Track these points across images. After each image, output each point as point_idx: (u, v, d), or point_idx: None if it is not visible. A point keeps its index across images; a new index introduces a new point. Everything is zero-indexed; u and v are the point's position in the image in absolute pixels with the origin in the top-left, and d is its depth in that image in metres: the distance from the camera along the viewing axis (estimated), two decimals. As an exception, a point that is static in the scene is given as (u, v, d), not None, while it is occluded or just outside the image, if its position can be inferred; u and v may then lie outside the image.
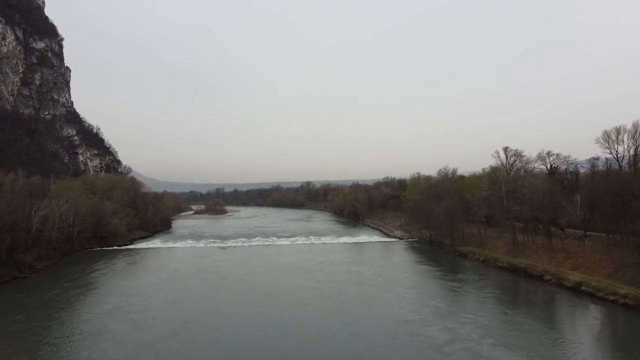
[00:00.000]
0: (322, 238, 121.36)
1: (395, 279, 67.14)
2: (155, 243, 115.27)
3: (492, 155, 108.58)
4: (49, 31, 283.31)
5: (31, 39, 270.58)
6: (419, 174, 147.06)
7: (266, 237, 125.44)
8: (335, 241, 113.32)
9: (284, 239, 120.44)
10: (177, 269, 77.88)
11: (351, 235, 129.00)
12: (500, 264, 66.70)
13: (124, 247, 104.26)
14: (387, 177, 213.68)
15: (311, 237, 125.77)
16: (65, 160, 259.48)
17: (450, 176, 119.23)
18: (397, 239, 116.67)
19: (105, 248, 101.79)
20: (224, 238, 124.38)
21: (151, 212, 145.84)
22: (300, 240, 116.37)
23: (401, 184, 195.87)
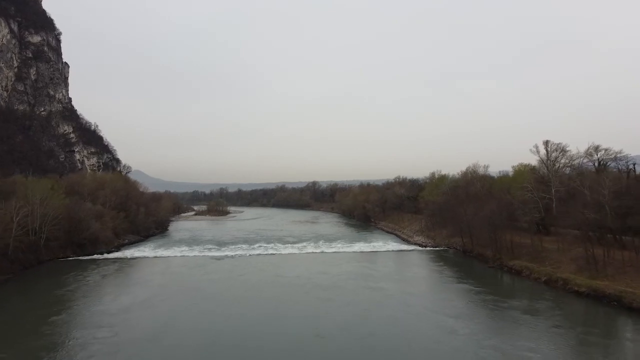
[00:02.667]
0: (332, 244, 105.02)
1: (434, 301, 50.82)
2: (143, 250, 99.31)
3: (531, 150, 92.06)
4: (46, 25, 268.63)
5: (27, 33, 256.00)
6: (439, 172, 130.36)
7: (269, 243, 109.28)
8: (349, 249, 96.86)
9: (289, 245, 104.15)
10: (160, 284, 61.85)
11: (365, 240, 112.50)
12: (576, 288, 49.81)
13: (104, 257, 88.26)
14: (399, 177, 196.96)
15: (320, 242, 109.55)
16: (61, 159, 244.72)
17: (481, 174, 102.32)
18: (418, 247, 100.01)
19: (83, 257, 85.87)
20: (221, 244, 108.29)
21: (143, 214, 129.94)
22: (309, 247, 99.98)
23: (413, 184, 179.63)
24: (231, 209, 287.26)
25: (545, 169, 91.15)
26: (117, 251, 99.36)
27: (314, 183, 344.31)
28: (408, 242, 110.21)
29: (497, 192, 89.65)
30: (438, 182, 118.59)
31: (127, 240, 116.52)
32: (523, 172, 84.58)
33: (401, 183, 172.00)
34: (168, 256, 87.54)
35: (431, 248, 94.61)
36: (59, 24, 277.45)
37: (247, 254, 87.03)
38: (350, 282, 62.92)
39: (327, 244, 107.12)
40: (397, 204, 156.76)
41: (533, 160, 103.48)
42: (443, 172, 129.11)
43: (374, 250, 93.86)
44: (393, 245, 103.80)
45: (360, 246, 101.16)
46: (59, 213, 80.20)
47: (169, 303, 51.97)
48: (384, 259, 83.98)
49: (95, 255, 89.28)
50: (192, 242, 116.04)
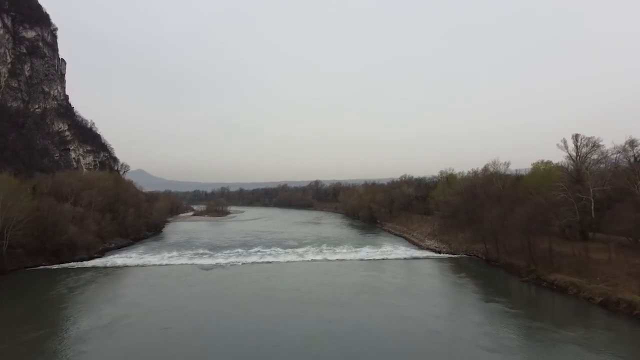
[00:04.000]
0: (336, 249, 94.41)
1: (464, 327, 40.10)
2: (129, 256, 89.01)
3: (558, 145, 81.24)
4: (41, 20, 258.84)
5: (21, 28, 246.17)
6: (451, 170, 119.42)
7: (268, 247, 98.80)
8: (355, 255, 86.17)
9: (289, 250, 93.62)
10: (132, 302, 51.36)
11: (372, 245, 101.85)
12: (648, 315, 38.93)
13: (81, 264, 77.93)
14: (405, 176, 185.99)
15: (323, 247, 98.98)
16: (55, 157, 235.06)
17: (502, 172, 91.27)
18: (432, 252, 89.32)
19: (55, 266, 75.62)
20: (215, 248, 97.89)
21: (133, 215, 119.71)
22: (310, 253, 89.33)
23: (420, 183, 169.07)
24: (232, 208, 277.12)
25: (574, 165, 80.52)
26: (100, 257, 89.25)
27: (317, 182, 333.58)
28: (419, 246, 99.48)
29: (521, 192, 78.80)
30: (451, 180, 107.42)
31: (113, 244, 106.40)
32: (554, 170, 73.62)
33: (408, 182, 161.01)
34: (152, 264, 76.98)
35: (447, 255, 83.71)
36: (61, 24, 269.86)
37: (241, 262, 76.28)
38: (359, 298, 52.46)
39: (330, 248, 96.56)
40: (405, 204, 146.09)
41: (550, 157, 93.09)
42: (455, 171, 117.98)
43: (383, 257, 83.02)
44: (403, 250, 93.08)
45: (367, 251, 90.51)
46: (25, 216, 69.87)
47: (137, 329, 41.53)
48: (396, 268, 73.31)
49: (72, 263, 79.05)
50: (184, 245, 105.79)
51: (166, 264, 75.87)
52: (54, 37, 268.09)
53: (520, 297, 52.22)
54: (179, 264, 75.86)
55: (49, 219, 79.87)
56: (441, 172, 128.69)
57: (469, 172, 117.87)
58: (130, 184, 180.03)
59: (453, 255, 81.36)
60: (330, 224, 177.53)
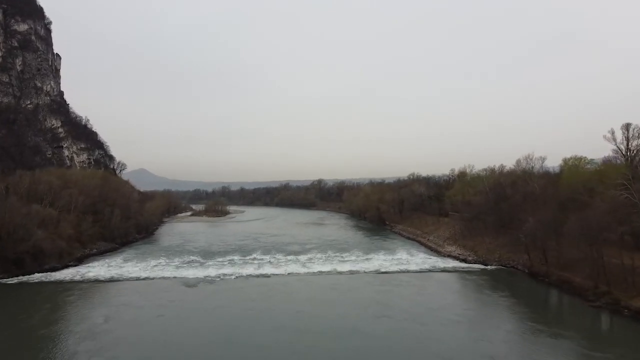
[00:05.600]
0: (345, 256, 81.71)
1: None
2: (108, 264, 76.27)
3: (605, 137, 68.36)
4: (34, 13, 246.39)
5: (13, 20, 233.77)
6: (471, 167, 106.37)
7: (266, 254, 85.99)
8: (367, 264, 73.26)
9: (292, 257, 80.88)
10: (81, 336, 38.43)
11: (385, 250, 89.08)
12: None
13: (42, 278, 65.08)
14: (413, 174, 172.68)
15: (330, 253, 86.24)
16: (48, 155, 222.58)
17: (537, 169, 78.18)
18: (455, 260, 76.52)
19: (12, 280, 62.65)
20: (208, 255, 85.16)
21: (119, 216, 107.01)
22: (316, 261, 76.38)
23: (428, 181, 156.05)
24: (232, 208, 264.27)
25: (624, 159, 67.60)
26: (75, 265, 76.69)
27: (320, 181, 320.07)
28: (439, 253, 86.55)
29: (565, 191, 65.78)
30: (472, 179, 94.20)
31: (95, 250, 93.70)
32: (614, 167, 60.60)
33: (419, 181, 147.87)
34: (128, 277, 63.70)
35: (477, 265, 70.58)
36: (61, 24, 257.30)
37: (234, 276, 62.96)
38: (380, 324, 39.89)
39: (338, 255, 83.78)
40: (416, 204, 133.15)
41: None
42: (475, 168, 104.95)
43: (401, 268, 69.78)
44: (422, 258, 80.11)
45: (381, 260, 77.62)
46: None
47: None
48: (420, 281, 60.42)
49: (36, 275, 66.08)
50: (174, 251, 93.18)
51: (144, 278, 62.67)
52: (48, 30, 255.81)
53: (598, 332, 39.36)
54: (159, 278, 62.76)
55: (11, 222, 67.18)
56: (452, 170, 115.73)
57: (485, 170, 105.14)
58: (123, 182, 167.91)
59: (485, 267, 68.05)
60: (335, 225, 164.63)
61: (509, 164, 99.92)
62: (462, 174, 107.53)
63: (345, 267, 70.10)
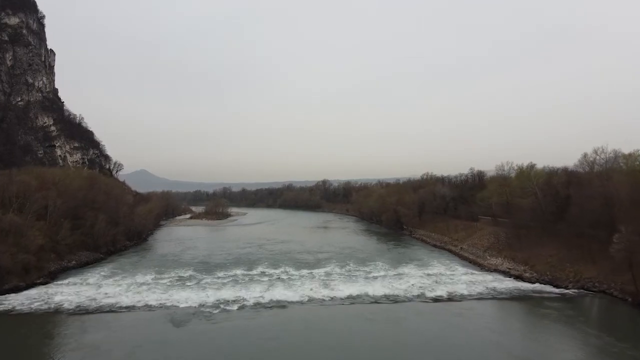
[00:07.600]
0: (372, 272, 66.71)
1: None
2: (83, 282, 61.50)
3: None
4: (26, 6, 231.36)
5: (3, 13, 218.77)
6: (510, 164, 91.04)
7: (276, 267, 71.14)
8: (401, 282, 58.26)
9: (306, 272, 66.03)
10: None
11: (416, 262, 74.25)
12: None
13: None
14: (427, 174, 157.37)
15: (350, 266, 71.32)
16: (39, 154, 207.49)
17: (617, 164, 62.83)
18: (506, 277, 61.38)
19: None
20: (206, 270, 70.02)
21: (105, 222, 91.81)
22: (337, 279, 61.05)
23: (442, 181, 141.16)
24: (233, 210, 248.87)
25: None
26: (43, 284, 61.65)
27: (324, 182, 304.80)
28: (481, 266, 71.32)
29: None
30: (521, 175, 78.50)
31: (74, 262, 78.57)
32: None
33: (442, 181, 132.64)
34: (101, 305, 48.04)
35: (546, 286, 54.71)
36: (61, 21, 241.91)
37: (236, 306, 47.16)
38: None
39: (361, 269, 68.78)
40: (440, 207, 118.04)
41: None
42: (514, 165, 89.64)
43: (449, 290, 54.10)
44: (464, 273, 64.97)
45: (416, 277, 62.38)
46: None
47: None
48: (481, 310, 45.25)
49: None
50: (167, 263, 78.25)
51: (121, 307, 47.11)
52: (41, 25, 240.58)
53: None
54: (141, 306, 47.21)
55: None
56: (471, 169, 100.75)
57: (518, 167, 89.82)
58: (115, 183, 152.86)
59: (561, 290, 52.13)
60: (346, 229, 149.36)
61: (541, 162, 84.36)
62: (499, 172, 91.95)
63: (377, 289, 54.74)
